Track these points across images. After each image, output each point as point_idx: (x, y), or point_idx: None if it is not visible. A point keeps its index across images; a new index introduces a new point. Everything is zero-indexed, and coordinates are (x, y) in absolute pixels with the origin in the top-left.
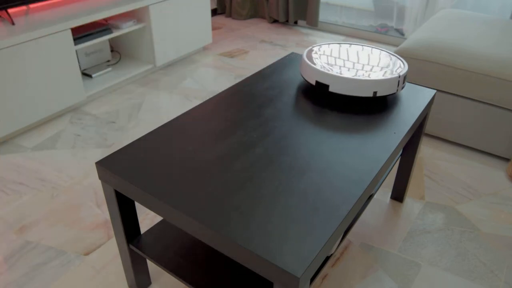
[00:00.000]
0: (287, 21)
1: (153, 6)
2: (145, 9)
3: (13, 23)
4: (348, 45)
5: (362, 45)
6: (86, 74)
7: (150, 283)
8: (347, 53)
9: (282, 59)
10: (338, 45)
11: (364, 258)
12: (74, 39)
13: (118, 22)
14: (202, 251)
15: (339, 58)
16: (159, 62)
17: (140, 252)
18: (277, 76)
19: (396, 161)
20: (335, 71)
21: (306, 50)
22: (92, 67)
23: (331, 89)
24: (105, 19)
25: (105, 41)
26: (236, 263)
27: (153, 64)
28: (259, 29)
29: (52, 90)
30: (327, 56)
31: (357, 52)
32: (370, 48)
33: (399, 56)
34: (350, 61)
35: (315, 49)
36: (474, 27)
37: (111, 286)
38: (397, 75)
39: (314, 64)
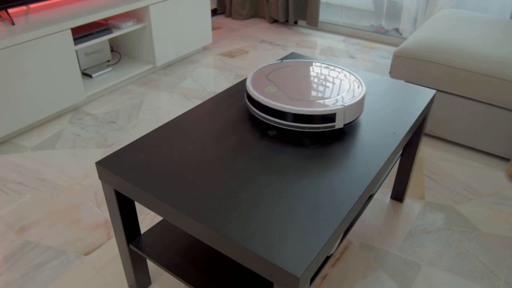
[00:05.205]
0: (287, 21)
1: (153, 6)
2: (145, 9)
3: (13, 23)
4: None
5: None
6: (86, 74)
7: (150, 283)
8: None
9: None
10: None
11: (364, 258)
12: (74, 39)
13: (118, 22)
14: (202, 251)
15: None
16: (159, 62)
17: (140, 252)
18: None
19: (396, 161)
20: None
21: (251, 75)
22: (92, 67)
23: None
24: (105, 19)
25: (105, 41)
26: (236, 263)
27: (153, 64)
28: (259, 29)
29: (52, 90)
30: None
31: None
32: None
33: (357, 76)
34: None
35: (263, 72)
36: (474, 27)
37: (111, 286)
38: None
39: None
